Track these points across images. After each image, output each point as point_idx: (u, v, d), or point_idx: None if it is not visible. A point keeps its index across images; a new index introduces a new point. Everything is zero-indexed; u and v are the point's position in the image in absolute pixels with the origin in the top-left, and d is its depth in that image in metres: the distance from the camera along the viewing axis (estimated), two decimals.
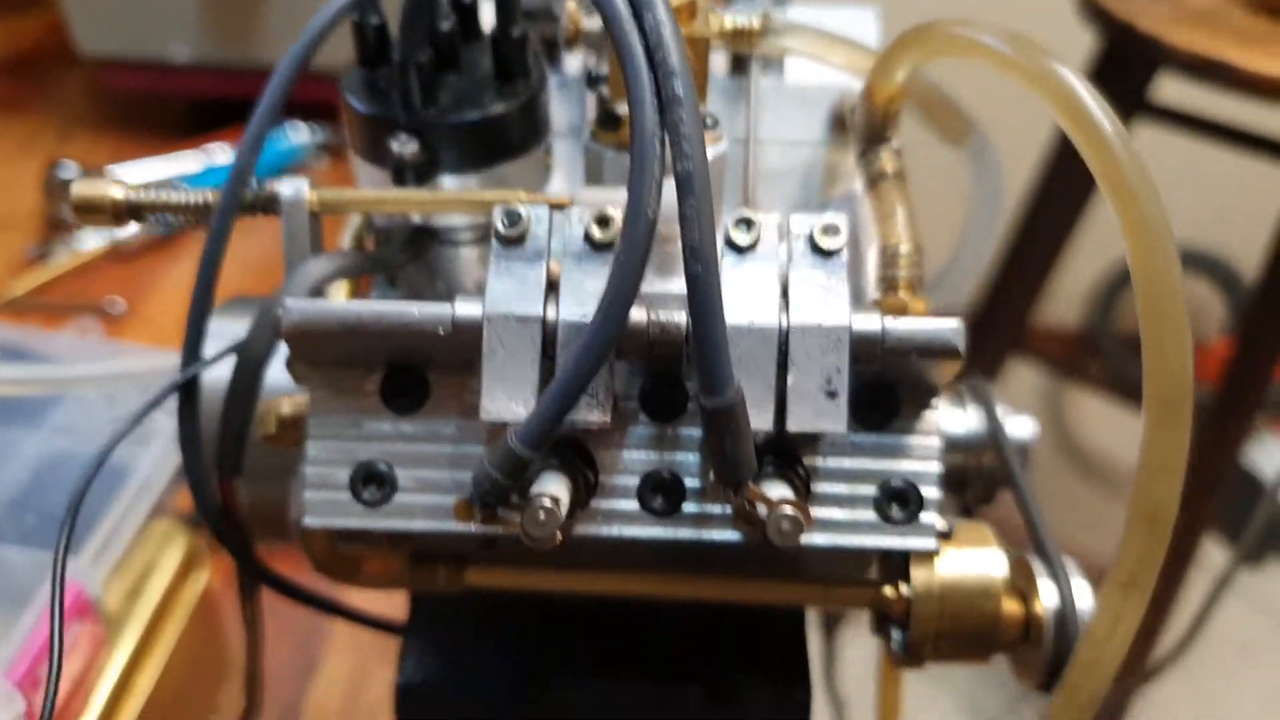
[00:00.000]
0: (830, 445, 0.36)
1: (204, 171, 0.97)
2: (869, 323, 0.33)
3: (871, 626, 0.41)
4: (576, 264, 0.33)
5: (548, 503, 0.31)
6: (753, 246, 0.34)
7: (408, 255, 0.39)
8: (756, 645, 0.44)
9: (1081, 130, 0.31)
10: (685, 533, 0.36)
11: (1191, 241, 1.94)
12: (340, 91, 0.38)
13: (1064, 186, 1.33)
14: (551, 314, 0.33)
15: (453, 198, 0.37)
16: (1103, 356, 2.06)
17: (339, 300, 0.39)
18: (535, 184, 0.40)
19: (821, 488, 0.36)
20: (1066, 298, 2.02)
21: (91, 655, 0.57)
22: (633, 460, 0.36)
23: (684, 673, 0.43)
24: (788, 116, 0.47)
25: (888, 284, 0.39)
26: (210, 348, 0.38)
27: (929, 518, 0.36)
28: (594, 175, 0.40)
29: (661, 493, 0.36)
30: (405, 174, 0.37)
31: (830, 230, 0.34)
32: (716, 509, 0.36)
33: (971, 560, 0.38)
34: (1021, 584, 0.39)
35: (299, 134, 1.00)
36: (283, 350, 0.36)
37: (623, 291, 0.29)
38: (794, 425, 0.33)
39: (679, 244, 0.31)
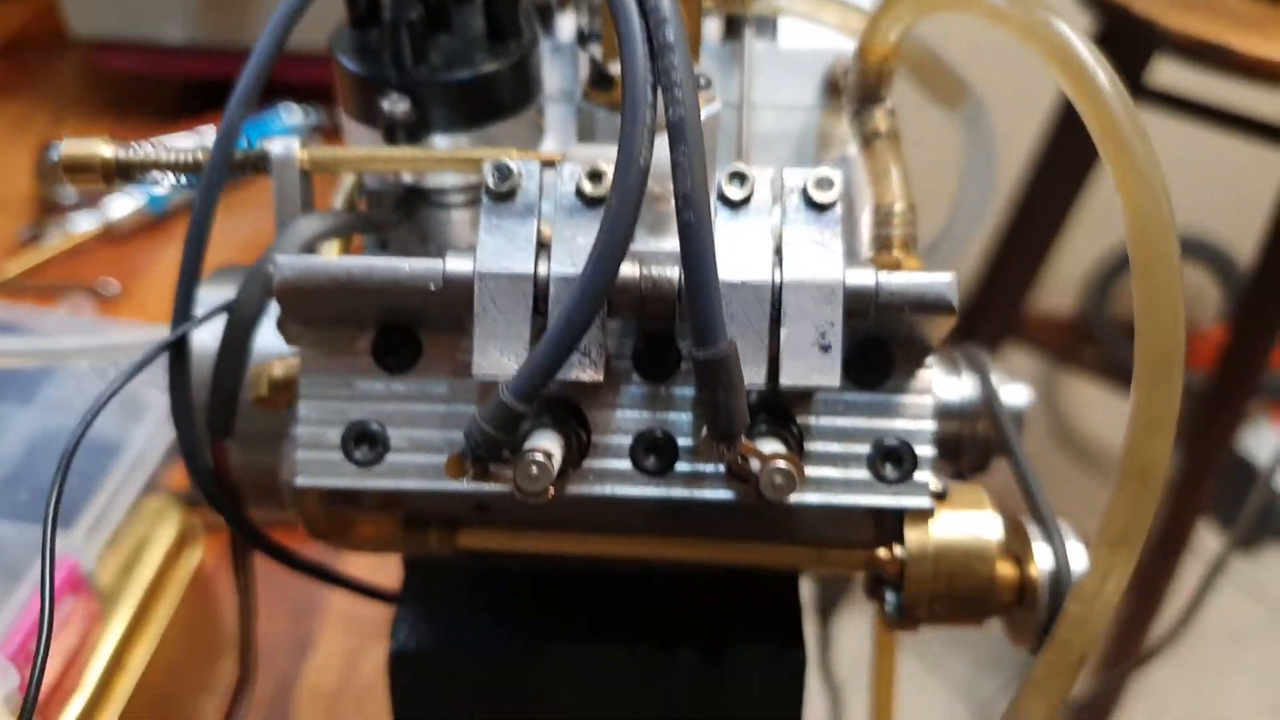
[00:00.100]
0: (823, 404, 0.36)
1: None
2: (863, 277, 0.33)
3: (865, 590, 0.41)
4: (568, 219, 0.33)
5: (540, 457, 0.31)
6: (746, 201, 0.34)
7: (399, 216, 0.39)
8: (750, 609, 0.44)
9: (1077, 83, 0.31)
10: (678, 491, 0.36)
11: (1187, 228, 1.95)
12: (331, 51, 0.38)
13: (1059, 173, 1.33)
14: (543, 270, 0.33)
15: (444, 155, 0.37)
16: (1098, 343, 2.06)
17: (330, 256, 0.39)
18: (527, 145, 0.40)
19: (815, 446, 0.36)
20: (1062, 284, 2.02)
21: (85, 631, 0.56)
22: (625, 420, 0.36)
23: (678, 636, 0.43)
24: (781, 81, 0.47)
25: (882, 242, 0.38)
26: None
27: (923, 476, 0.36)
28: (586, 136, 0.39)
29: (654, 452, 0.36)
30: (397, 133, 0.37)
31: (824, 184, 0.34)
32: (709, 468, 0.35)
33: (966, 522, 0.38)
34: (1016, 547, 0.39)
35: (292, 115, 0.99)
36: (273, 314, 0.36)
37: (615, 239, 0.29)
38: (787, 380, 0.33)
39: (671, 204, 0.30)
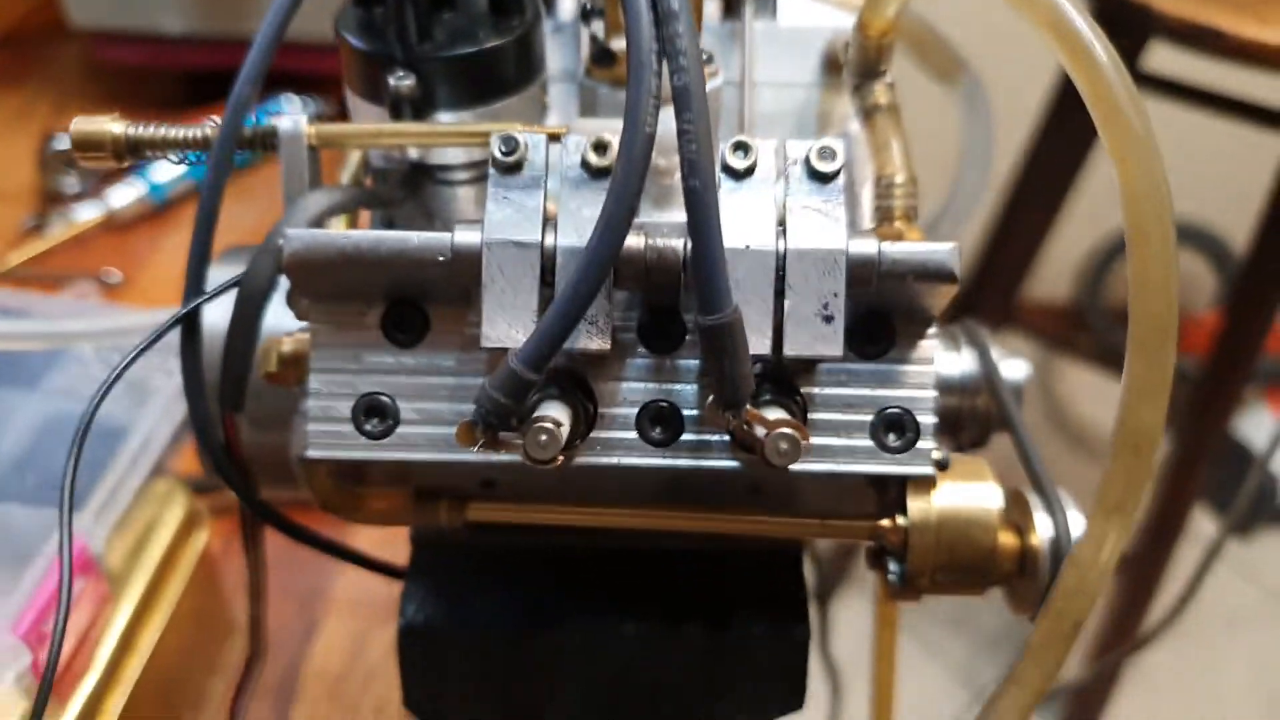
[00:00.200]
0: (826, 373, 0.36)
1: None
2: (865, 246, 0.33)
3: (868, 561, 0.42)
4: (574, 191, 0.34)
5: (549, 425, 0.32)
6: (749, 171, 0.34)
7: (405, 193, 0.39)
8: (755, 586, 0.44)
9: (1073, 55, 0.31)
10: (684, 461, 0.36)
11: (1182, 214, 1.95)
12: (336, 29, 0.38)
13: (1053, 161, 1.33)
14: (550, 241, 0.33)
15: (450, 129, 0.37)
16: (1092, 330, 2.07)
17: (339, 230, 0.40)
18: (531, 120, 0.40)
19: (818, 415, 0.36)
20: (1056, 272, 2.02)
21: (95, 612, 0.57)
22: (631, 391, 0.36)
23: (684, 612, 0.43)
24: (781, 59, 0.47)
25: (883, 214, 0.39)
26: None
27: (925, 444, 0.36)
28: (588, 112, 0.40)
29: (660, 423, 0.36)
30: (402, 109, 0.37)
31: (826, 154, 0.34)
32: (715, 438, 0.36)
33: (968, 493, 0.39)
34: (1017, 517, 0.39)
35: (293, 106, 1.00)
36: (282, 291, 0.37)
37: (622, 207, 0.30)
38: (791, 350, 0.33)
39: (675, 177, 0.31)
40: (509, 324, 0.33)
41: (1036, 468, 0.41)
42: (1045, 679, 0.35)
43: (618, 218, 0.30)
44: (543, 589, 0.44)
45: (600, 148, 0.34)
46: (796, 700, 0.44)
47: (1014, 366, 0.45)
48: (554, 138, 0.35)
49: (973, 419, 0.45)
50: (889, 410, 0.36)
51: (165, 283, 0.91)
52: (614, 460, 0.36)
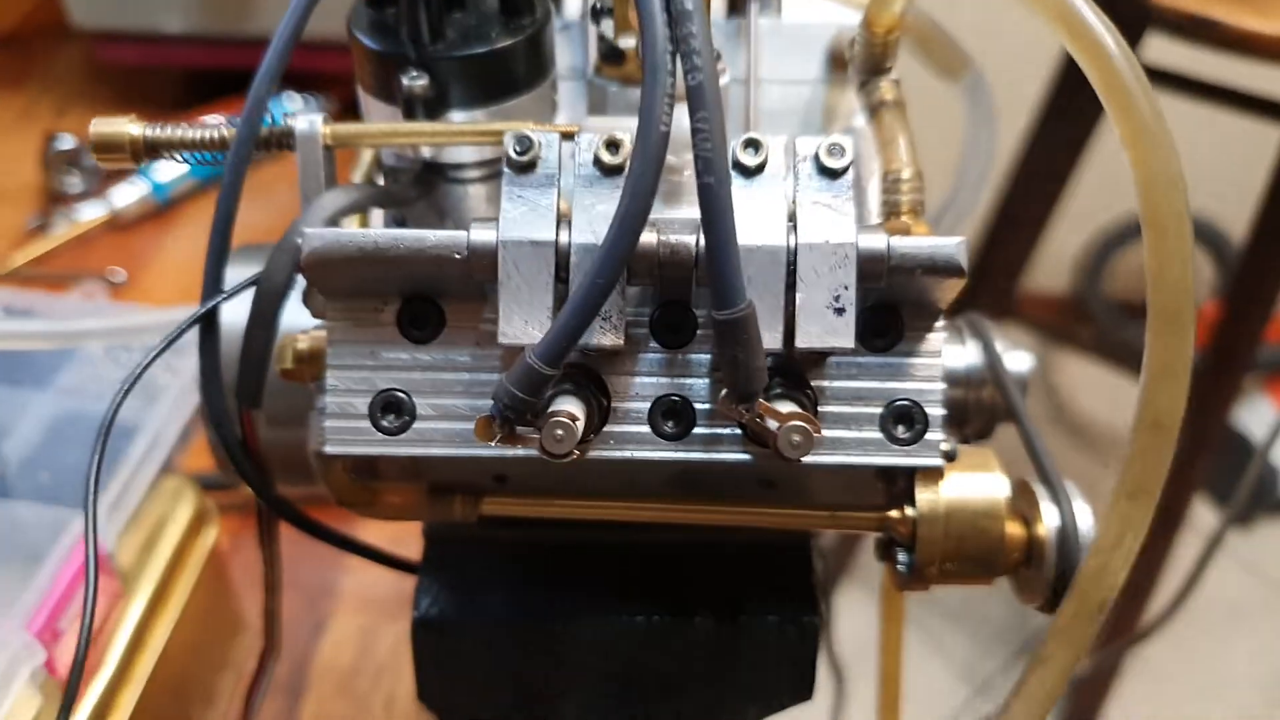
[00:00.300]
0: (836, 367, 0.37)
1: None
2: (875, 240, 0.34)
3: (876, 553, 0.42)
4: (587, 188, 0.34)
5: (565, 420, 0.32)
6: (760, 168, 0.35)
7: (418, 192, 0.40)
8: (765, 578, 0.45)
9: (1081, 43, 0.31)
10: (697, 454, 0.36)
11: None
12: (349, 29, 0.38)
13: (1052, 153, 1.34)
14: (564, 238, 0.34)
15: (463, 128, 0.37)
16: (1093, 321, 2.07)
17: (356, 228, 0.40)
18: (543, 119, 0.41)
19: (829, 408, 0.37)
20: (1057, 263, 2.03)
21: (108, 609, 0.57)
22: (644, 385, 0.36)
23: (694, 604, 0.44)
24: (786, 56, 0.47)
25: (890, 208, 0.39)
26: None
27: (934, 436, 0.37)
28: (598, 111, 0.40)
29: (673, 417, 0.36)
30: (415, 108, 0.37)
31: (835, 150, 0.34)
32: (726, 431, 0.36)
33: (975, 483, 0.39)
34: (1024, 507, 0.40)
35: (293, 103, 1.00)
36: (298, 290, 0.37)
37: (638, 203, 0.30)
38: (802, 342, 0.34)
39: (686, 174, 0.31)
40: (525, 321, 0.33)
41: (1042, 458, 0.42)
42: (1072, 658, 0.36)
43: (634, 215, 0.30)
44: (555, 583, 0.44)
45: (613, 146, 0.34)
46: (806, 690, 0.45)
47: (1018, 358, 0.45)
48: (567, 136, 0.35)
49: (978, 410, 0.45)
50: (898, 402, 0.37)
51: (169, 281, 0.92)
52: (627, 454, 0.36)
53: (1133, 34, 1.20)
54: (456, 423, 0.36)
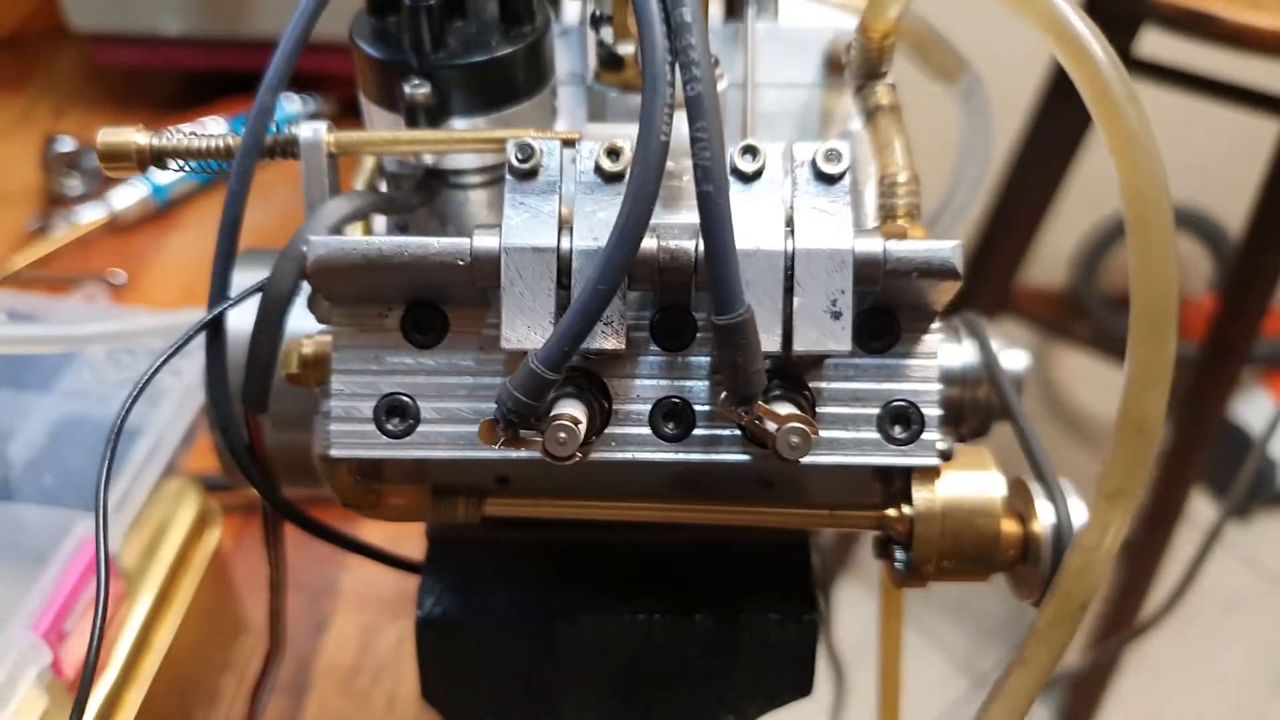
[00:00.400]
0: (834, 368, 0.37)
1: None
2: (871, 245, 0.34)
3: (875, 551, 0.43)
4: (588, 195, 0.35)
5: (568, 423, 0.33)
6: (758, 174, 0.35)
7: (420, 198, 0.40)
8: (765, 576, 0.45)
9: (1069, 50, 0.32)
10: (697, 456, 0.37)
11: (1178, 199, 1.95)
12: (351, 38, 0.39)
13: (1048, 150, 1.34)
14: (566, 244, 0.34)
15: (465, 136, 0.38)
16: (1089, 316, 2.08)
17: (360, 236, 0.40)
18: (543, 125, 0.41)
19: (826, 410, 0.37)
20: (1053, 258, 2.04)
21: (113, 610, 0.58)
22: (645, 388, 0.37)
23: (695, 602, 0.44)
24: (783, 60, 0.48)
25: (886, 212, 0.40)
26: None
27: (930, 435, 0.37)
28: (597, 116, 0.41)
29: (673, 419, 0.37)
30: (417, 116, 0.38)
31: (832, 156, 0.35)
32: (726, 432, 0.37)
33: (971, 482, 0.40)
34: (1020, 505, 0.40)
35: (293, 104, 1.01)
36: (303, 296, 0.37)
37: (639, 210, 0.31)
38: (800, 346, 0.34)
39: (685, 179, 0.32)
40: (528, 326, 0.34)
41: (1037, 456, 0.42)
42: (1052, 659, 0.36)
43: (635, 221, 0.31)
44: (557, 582, 0.45)
45: (613, 153, 0.35)
46: (805, 686, 0.45)
47: (1014, 357, 0.46)
48: (568, 143, 0.35)
49: (974, 409, 0.45)
50: (895, 403, 0.37)
51: (170, 283, 0.92)
52: (628, 455, 0.37)
53: (1130, 29, 1.20)
54: (460, 426, 0.37)
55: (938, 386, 0.37)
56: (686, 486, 0.42)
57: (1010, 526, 0.40)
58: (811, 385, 0.37)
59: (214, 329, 0.38)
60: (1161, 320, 0.32)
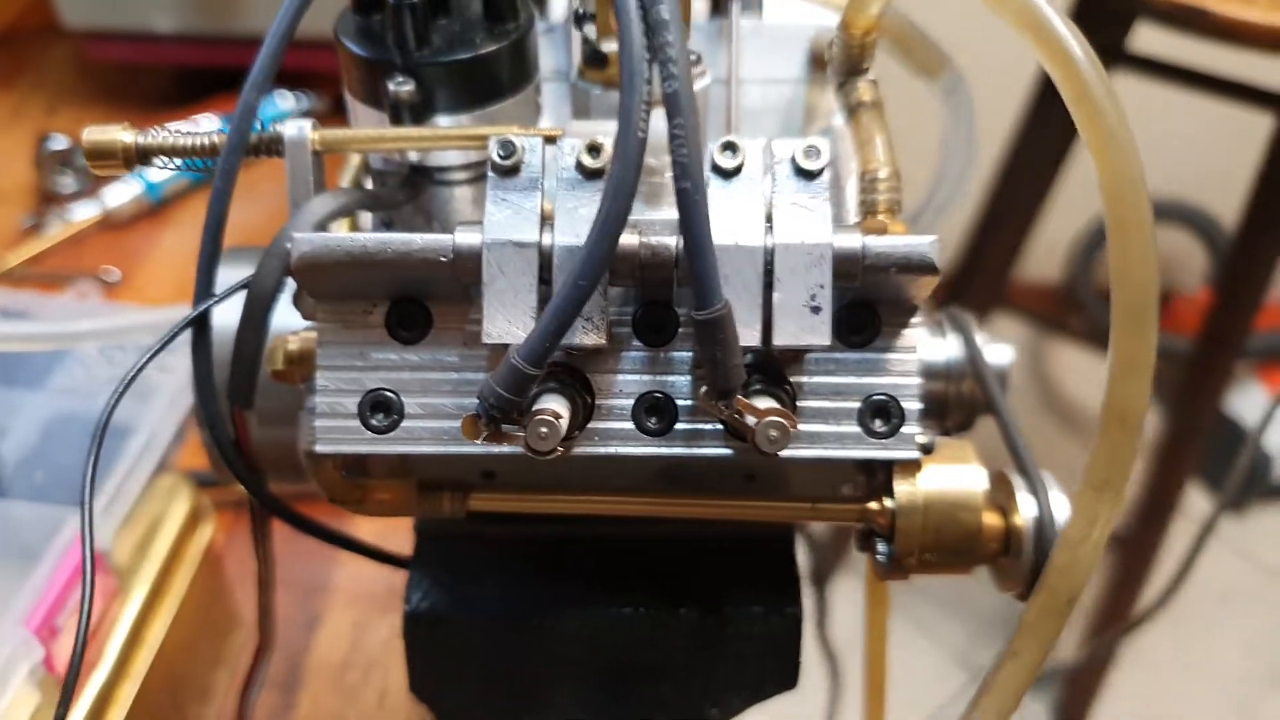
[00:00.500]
0: (814, 363, 0.37)
1: None
2: (850, 240, 0.34)
3: (857, 544, 0.43)
4: (569, 191, 0.35)
5: (549, 417, 0.33)
6: (737, 170, 0.35)
7: (405, 195, 0.41)
8: (749, 571, 0.45)
9: (1048, 50, 0.32)
10: (679, 450, 0.37)
11: (1172, 193, 1.96)
12: (336, 36, 0.39)
13: (1041, 144, 1.34)
14: (547, 240, 0.34)
15: (449, 133, 0.38)
16: (1083, 310, 2.08)
17: (344, 233, 0.41)
18: (527, 122, 0.41)
19: (807, 403, 0.37)
20: (1047, 253, 2.04)
21: (104, 606, 0.58)
22: (627, 383, 0.37)
23: (680, 596, 0.44)
24: (767, 56, 0.48)
25: (867, 207, 0.40)
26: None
27: (910, 429, 0.37)
28: (581, 113, 0.41)
29: (655, 413, 0.37)
30: (402, 114, 0.38)
31: (812, 152, 0.35)
32: (708, 426, 0.37)
33: (953, 475, 0.40)
34: (1002, 498, 0.41)
35: (285, 101, 1.01)
36: (288, 292, 0.38)
37: (618, 205, 0.31)
38: (780, 340, 0.35)
39: (665, 175, 0.32)
40: (509, 321, 0.34)
41: (1020, 450, 0.42)
42: (1042, 652, 0.36)
43: (615, 217, 0.31)
44: (543, 577, 0.45)
45: (594, 150, 0.35)
46: (790, 679, 0.46)
47: (998, 351, 0.46)
48: (550, 140, 0.36)
49: (958, 403, 0.46)
50: (875, 397, 0.37)
51: (163, 280, 0.92)
52: (611, 450, 0.37)
53: (1123, 24, 1.21)
54: (444, 421, 0.37)
55: (918, 380, 0.37)
56: (671, 481, 0.42)
57: (992, 519, 0.40)
58: (792, 380, 0.37)
59: (199, 326, 0.39)
60: (1141, 315, 0.32)
